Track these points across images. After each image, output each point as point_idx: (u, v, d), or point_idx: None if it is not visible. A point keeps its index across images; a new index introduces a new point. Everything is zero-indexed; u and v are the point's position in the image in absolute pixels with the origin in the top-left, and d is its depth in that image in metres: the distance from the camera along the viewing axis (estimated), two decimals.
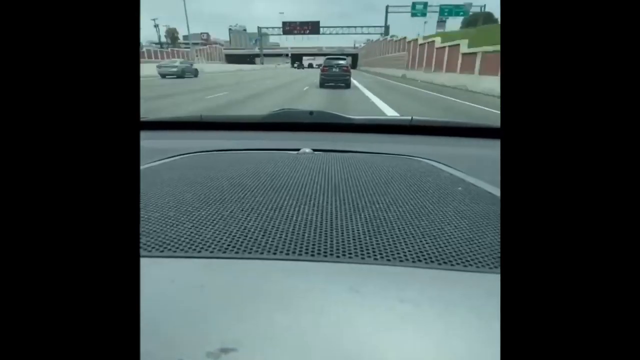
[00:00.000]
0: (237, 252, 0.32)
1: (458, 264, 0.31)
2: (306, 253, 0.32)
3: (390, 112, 6.83)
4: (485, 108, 8.06)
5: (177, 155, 0.75)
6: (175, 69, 20.73)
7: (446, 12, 52.42)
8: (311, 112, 1.06)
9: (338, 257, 0.31)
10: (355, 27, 69.13)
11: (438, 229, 0.38)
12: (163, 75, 20.56)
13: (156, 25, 62.86)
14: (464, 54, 16.27)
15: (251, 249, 0.32)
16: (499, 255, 0.32)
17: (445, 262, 0.31)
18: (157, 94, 10.07)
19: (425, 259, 0.31)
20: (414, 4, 50.79)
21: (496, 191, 0.52)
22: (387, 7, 52.83)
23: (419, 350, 0.22)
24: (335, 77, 12.85)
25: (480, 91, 11.70)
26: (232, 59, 70.81)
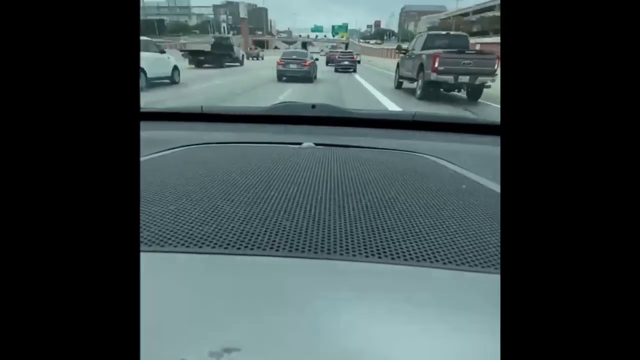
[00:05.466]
0: (238, 248, 0.31)
1: (463, 263, 0.30)
2: (309, 250, 0.31)
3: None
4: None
5: (178, 147, 0.74)
6: None
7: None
8: (313, 106, 1.05)
9: (341, 254, 0.31)
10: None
11: (442, 227, 0.37)
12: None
13: None
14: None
15: (253, 245, 0.32)
16: None
17: (450, 262, 0.30)
18: None
19: (430, 258, 0.31)
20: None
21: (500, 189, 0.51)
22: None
23: (425, 350, 0.21)
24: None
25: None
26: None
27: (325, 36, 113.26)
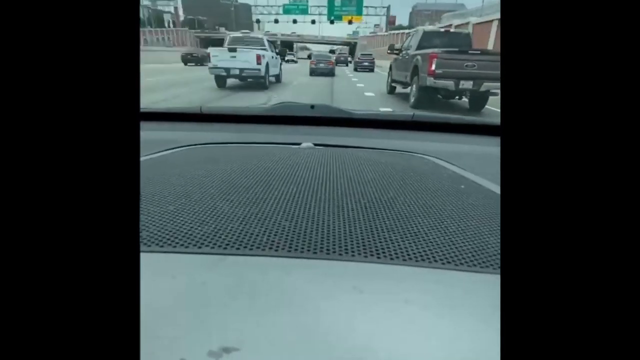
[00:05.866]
0: (237, 249, 0.31)
1: (462, 263, 0.30)
2: (308, 250, 0.31)
3: None
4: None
5: (177, 147, 0.74)
6: None
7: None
8: (312, 106, 1.05)
9: (340, 254, 0.31)
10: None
11: (441, 227, 0.37)
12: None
13: None
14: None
15: (252, 245, 0.32)
16: None
17: (449, 262, 0.31)
18: None
19: (429, 258, 0.31)
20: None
21: (499, 189, 0.51)
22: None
23: (424, 350, 0.22)
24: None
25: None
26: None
27: (313, 22, 68.85)
